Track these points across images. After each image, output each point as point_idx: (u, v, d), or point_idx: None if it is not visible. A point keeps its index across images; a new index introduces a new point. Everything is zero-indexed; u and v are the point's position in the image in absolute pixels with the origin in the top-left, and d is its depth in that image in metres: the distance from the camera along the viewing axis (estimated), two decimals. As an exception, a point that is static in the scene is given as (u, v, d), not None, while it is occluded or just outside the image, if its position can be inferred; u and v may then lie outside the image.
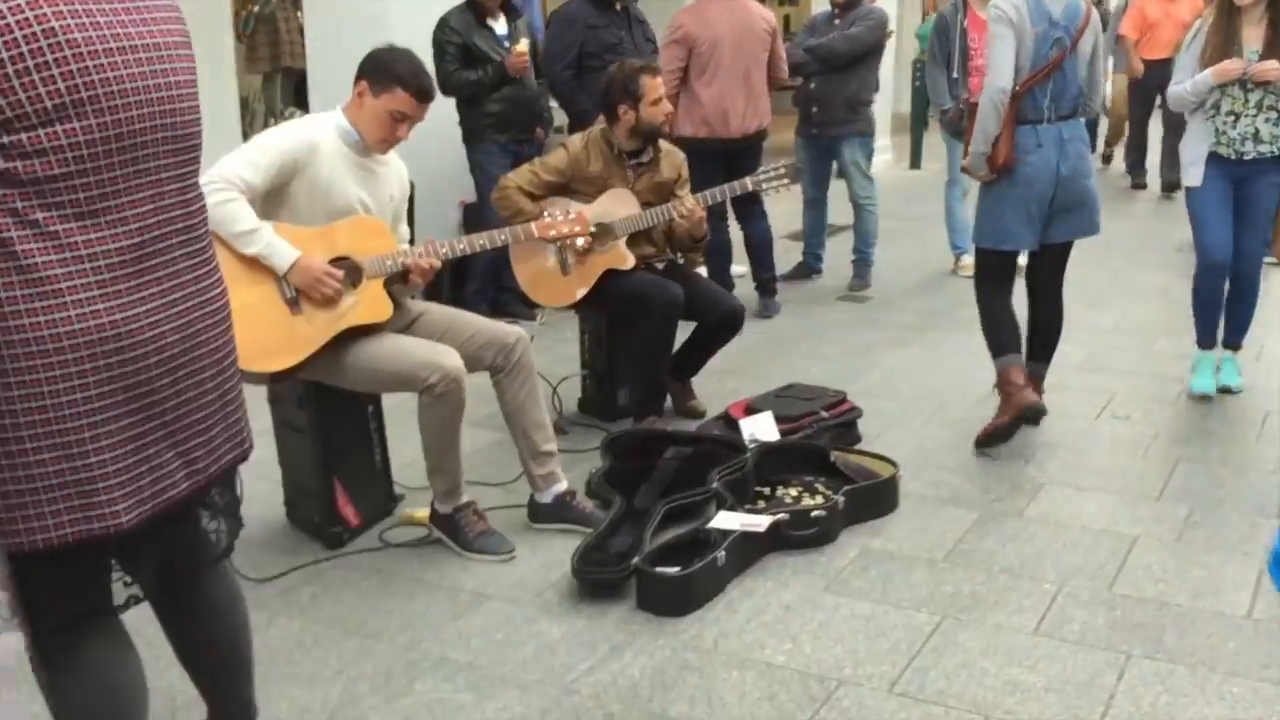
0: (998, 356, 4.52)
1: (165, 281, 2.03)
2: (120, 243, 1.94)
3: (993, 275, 4.59)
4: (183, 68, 2.05)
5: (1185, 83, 4.79)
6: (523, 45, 5.92)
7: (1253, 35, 4.66)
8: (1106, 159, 12.02)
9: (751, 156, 6.23)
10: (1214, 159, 4.80)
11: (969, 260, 7.37)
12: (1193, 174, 4.88)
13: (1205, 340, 5.14)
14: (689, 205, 4.52)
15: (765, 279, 6.54)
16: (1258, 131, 4.70)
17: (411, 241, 3.92)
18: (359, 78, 3.53)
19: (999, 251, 4.50)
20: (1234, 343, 5.18)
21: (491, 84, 5.91)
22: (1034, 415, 4.42)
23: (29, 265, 1.83)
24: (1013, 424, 4.42)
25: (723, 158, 6.13)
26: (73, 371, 1.89)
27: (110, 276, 1.92)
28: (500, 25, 6.06)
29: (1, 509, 1.90)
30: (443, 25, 5.91)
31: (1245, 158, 4.74)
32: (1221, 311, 5.01)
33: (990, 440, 4.45)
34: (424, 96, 3.53)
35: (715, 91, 6.10)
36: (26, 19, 1.77)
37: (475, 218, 6.34)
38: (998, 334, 4.54)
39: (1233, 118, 4.72)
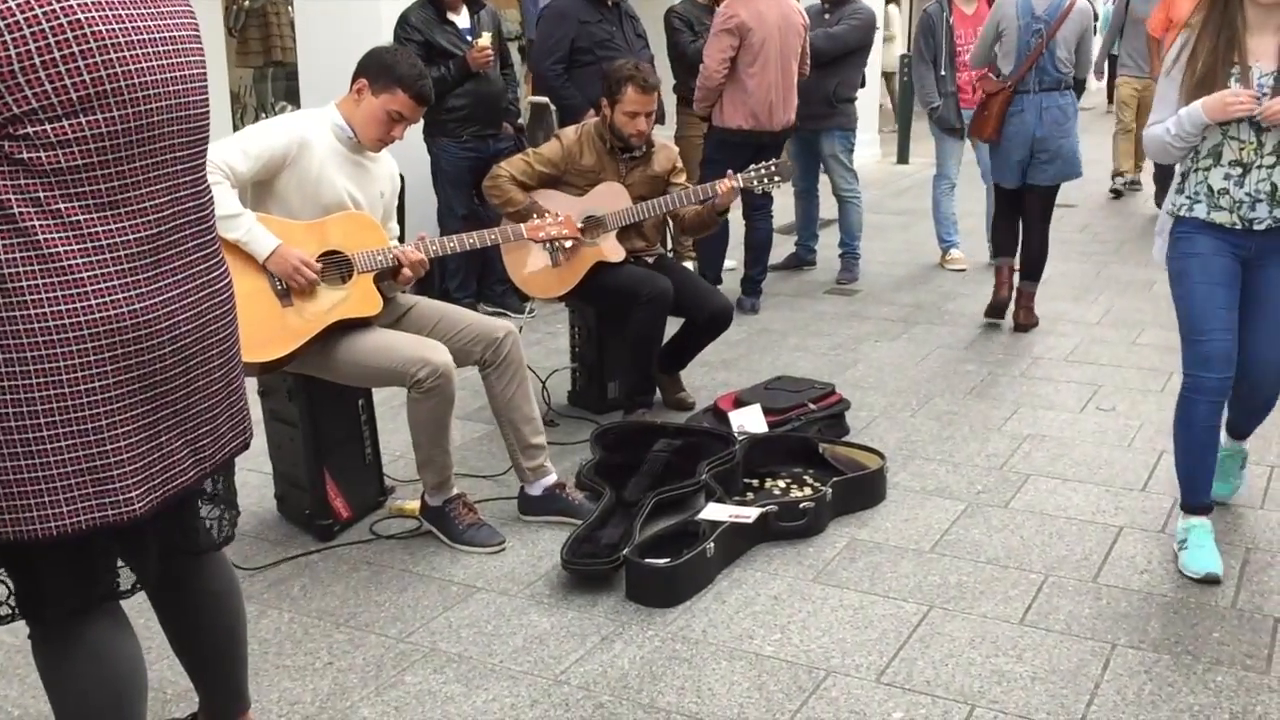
0: (994, 256, 6.29)
1: (180, 271, 2.06)
2: (139, 233, 1.97)
3: (999, 202, 6.12)
4: (195, 61, 2.08)
5: (1166, 121, 3.37)
6: (485, 39, 5.80)
7: (1263, 48, 3.26)
8: (1116, 193, 10.05)
9: (777, 150, 6.27)
10: (1210, 230, 3.38)
11: (956, 254, 7.46)
12: (1157, 245, 3.58)
13: (1194, 501, 3.54)
14: (727, 185, 4.52)
15: (755, 278, 6.55)
16: (1276, 189, 3.27)
17: (401, 239, 3.93)
18: (359, 75, 3.54)
19: (999, 186, 5.99)
20: (1242, 429, 3.84)
21: (454, 80, 5.78)
22: (996, 312, 6.04)
23: (51, 254, 1.86)
24: (994, 306, 6.06)
25: (756, 150, 6.15)
26: (91, 360, 1.91)
27: (129, 266, 1.95)
28: (463, 19, 5.93)
29: (17, 495, 1.91)
30: (403, 23, 5.76)
31: (1256, 227, 3.31)
32: (1216, 456, 3.59)
33: (989, 312, 6.11)
34: (423, 100, 3.56)
35: (761, 84, 6.08)
36: (54, 10, 1.80)
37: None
38: (996, 240, 6.21)
39: (1239, 170, 3.29)
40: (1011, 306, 6.07)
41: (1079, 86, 6.01)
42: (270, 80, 10.05)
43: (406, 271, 3.62)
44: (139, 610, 2.63)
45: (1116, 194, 10.03)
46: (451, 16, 5.86)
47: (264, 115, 9.03)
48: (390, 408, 4.55)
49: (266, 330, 3.40)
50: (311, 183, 3.49)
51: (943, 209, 7.45)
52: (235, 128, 7.01)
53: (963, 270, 7.37)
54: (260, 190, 3.49)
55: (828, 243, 7.51)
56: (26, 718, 2.81)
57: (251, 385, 3.79)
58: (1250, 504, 3.92)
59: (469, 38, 5.87)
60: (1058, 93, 5.68)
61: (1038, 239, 5.91)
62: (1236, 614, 3.23)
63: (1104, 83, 15.75)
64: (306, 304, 3.47)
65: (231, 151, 3.35)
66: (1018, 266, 6.01)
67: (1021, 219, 5.95)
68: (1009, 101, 5.68)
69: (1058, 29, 5.59)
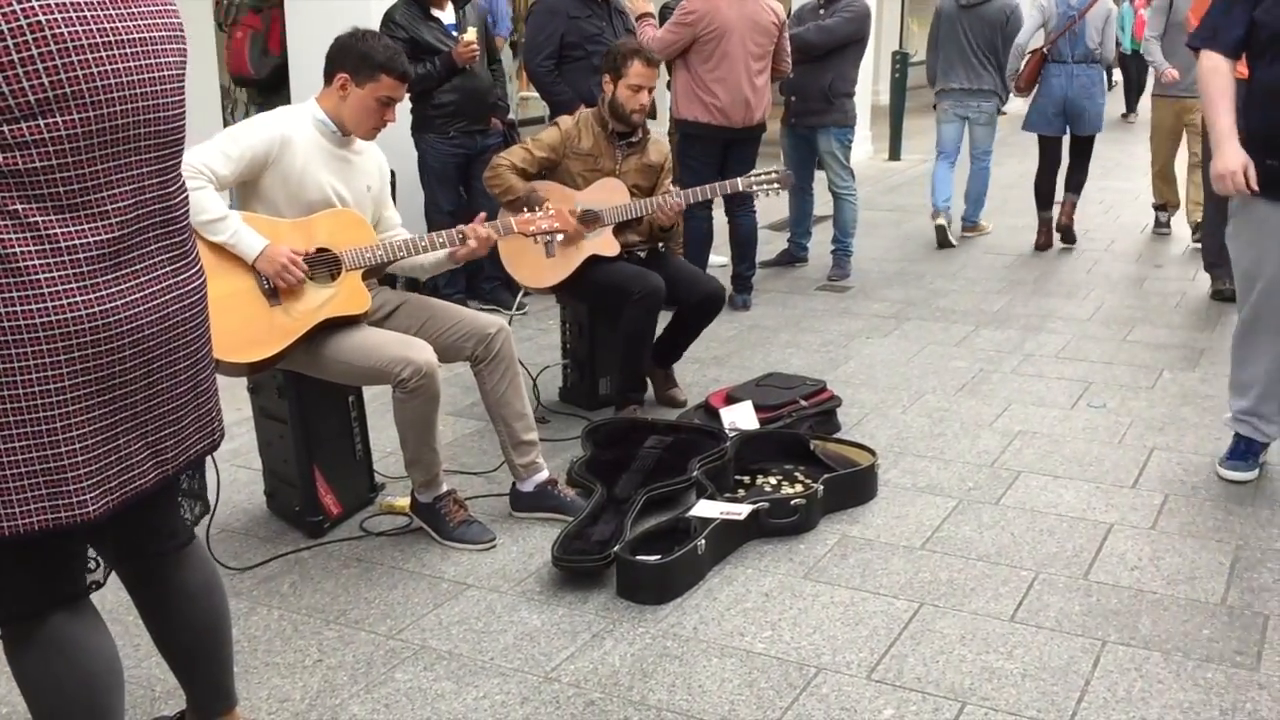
0: (1039, 210, 7.99)
1: (143, 274, 2.03)
2: (100, 235, 1.94)
3: (1042, 156, 7.89)
4: (170, 62, 2.04)
5: None
6: (470, 34, 5.79)
7: None
8: (1161, 223, 8.30)
9: (750, 148, 6.26)
10: None
11: (941, 220, 7.96)
12: None
13: None
14: (673, 200, 4.57)
15: (745, 274, 6.54)
16: None
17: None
18: (336, 70, 3.52)
19: (1041, 136, 7.81)
20: None
21: (440, 76, 5.76)
22: (1041, 248, 7.95)
23: (7, 255, 1.83)
24: (1044, 240, 7.99)
25: (722, 145, 6.14)
26: (47, 362, 1.89)
27: (89, 269, 1.92)
28: (448, 15, 5.90)
29: None
30: (387, 21, 5.71)
31: None
32: None
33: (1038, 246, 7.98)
34: (406, 77, 3.57)
35: (723, 80, 6.05)
36: (14, 12, 1.77)
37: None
38: (1039, 195, 7.96)
39: None
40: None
41: (1110, 70, 7.29)
42: (261, 75, 10.01)
43: (472, 243, 3.66)
44: (128, 606, 2.63)
45: (1162, 229, 8.38)
46: (436, 13, 5.84)
47: (254, 110, 9.00)
48: (381, 404, 4.53)
49: (254, 329, 3.39)
50: (295, 181, 3.47)
51: (937, 174, 7.93)
52: (226, 124, 6.98)
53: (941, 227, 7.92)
54: (245, 190, 3.47)
55: (820, 239, 7.51)
56: (15, 715, 2.79)
57: (241, 382, 3.79)
58: (1240, 501, 3.92)
59: (454, 33, 5.86)
60: (1086, 64, 7.51)
61: (1078, 169, 7.90)
62: (1226, 611, 3.23)
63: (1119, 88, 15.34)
64: (294, 303, 3.45)
65: (212, 155, 3.33)
66: (1056, 214, 7.88)
67: (1070, 159, 7.85)
68: (1041, 63, 7.56)
69: (1087, 11, 7.42)
